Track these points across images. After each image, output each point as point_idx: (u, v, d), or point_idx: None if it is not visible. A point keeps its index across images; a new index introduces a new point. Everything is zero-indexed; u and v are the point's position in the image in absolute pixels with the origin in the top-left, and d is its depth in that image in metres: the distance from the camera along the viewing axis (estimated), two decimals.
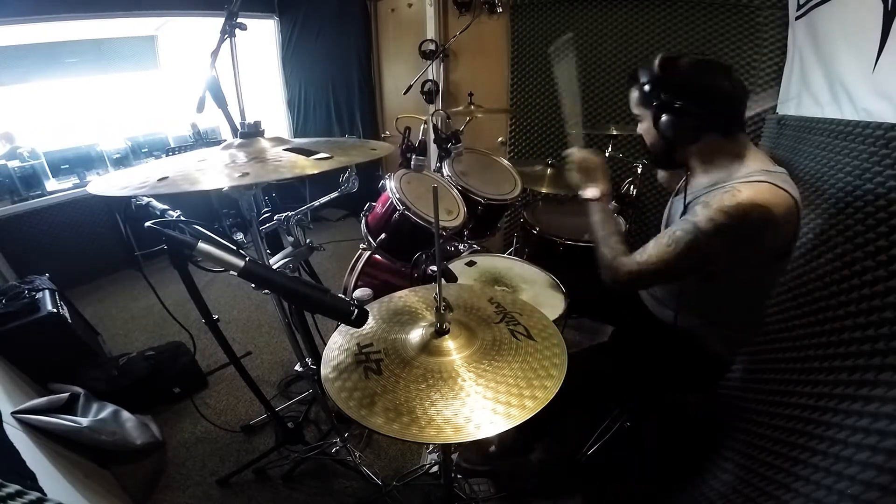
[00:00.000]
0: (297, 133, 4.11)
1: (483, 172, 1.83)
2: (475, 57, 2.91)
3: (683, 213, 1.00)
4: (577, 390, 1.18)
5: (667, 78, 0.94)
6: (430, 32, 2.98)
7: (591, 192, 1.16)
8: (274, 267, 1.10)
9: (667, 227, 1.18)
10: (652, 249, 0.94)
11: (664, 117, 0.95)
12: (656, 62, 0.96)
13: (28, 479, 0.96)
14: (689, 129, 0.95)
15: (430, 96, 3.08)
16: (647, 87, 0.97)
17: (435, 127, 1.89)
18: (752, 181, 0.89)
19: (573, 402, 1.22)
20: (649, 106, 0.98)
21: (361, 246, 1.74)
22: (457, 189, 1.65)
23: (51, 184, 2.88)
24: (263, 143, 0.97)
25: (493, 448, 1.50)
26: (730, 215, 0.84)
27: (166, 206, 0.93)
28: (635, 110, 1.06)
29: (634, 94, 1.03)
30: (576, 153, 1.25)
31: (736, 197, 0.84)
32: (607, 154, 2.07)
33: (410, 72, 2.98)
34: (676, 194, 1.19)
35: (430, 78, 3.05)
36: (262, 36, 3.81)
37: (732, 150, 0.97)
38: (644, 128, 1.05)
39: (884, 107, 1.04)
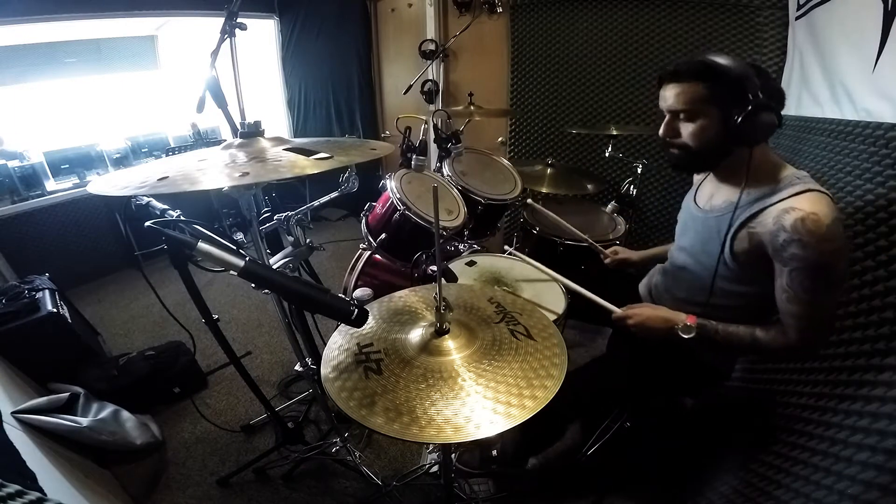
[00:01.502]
0: (297, 133, 4.11)
1: (483, 172, 1.83)
2: (475, 57, 2.91)
3: (738, 228, 0.97)
4: (578, 407, 1.19)
5: (761, 78, 0.91)
6: (430, 32, 2.98)
7: (684, 332, 1.01)
8: (274, 267, 1.10)
9: (687, 238, 1.16)
10: (799, 310, 0.89)
11: (753, 117, 0.89)
12: (734, 61, 0.91)
13: (28, 479, 0.96)
14: (768, 130, 0.92)
15: (430, 96, 3.08)
16: (735, 84, 0.90)
17: (435, 127, 1.88)
18: (799, 193, 0.89)
19: (576, 415, 1.22)
20: (727, 104, 0.91)
21: (361, 246, 1.74)
22: (457, 189, 1.65)
23: (51, 184, 2.88)
24: (263, 142, 0.98)
25: (495, 452, 1.50)
26: (832, 239, 0.83)
27: (166, 206, 0.93)
28: (690, 106, 0.96)
29: (698, 89, 0.94)
30: (630, 322, 1.11)
31: (819, 220, 0.83)
32: (607, 154, 2.07)
33: (410, 72, 2.98)
34: (699, 205, 1.16)
35: (430, 78, 3.05)
36: (262, 36, 3.81)
37: (767, 155, 0.98)
38: (699, 126, 0.96)
39: (884, 107, 1.05)
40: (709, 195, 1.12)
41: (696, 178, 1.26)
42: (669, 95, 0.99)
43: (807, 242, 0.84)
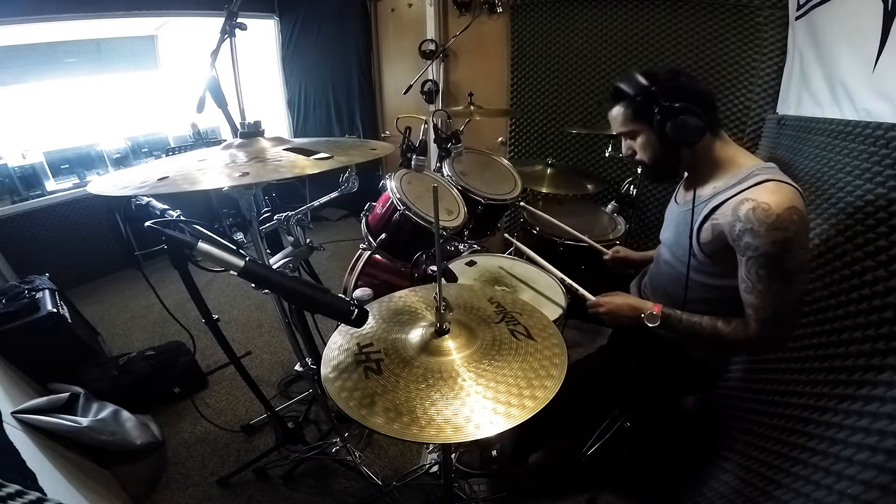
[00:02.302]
0: (297, 133, 4.11)
1: (483, 172, 1.83)
2: (475, 57, 2.91)
3: (702, 220, 1.00)
4: (577, 402, 1.20)
5: (661, 85, 0.96)
6: (430, 32, 2.98)
7: (649, 321, 1.08)
8: (274, 267, 1.10)
9: (668, 233, 1.19)
10: (756, 301, 0.92)
11: (670, 122, 0.94)
12: (641, 76, 0.98)
13: (28, 479, 0.96)
14: (693, 129, 0.95)
15: (430, 96, 3.08)
16: (642, 98, 0.97)
17: (435, 127, 1.89)
18: (760, 183, 0.91)
19: (573, 413, 1.24)
20: (647, 117, 0.98)
21: (361, 246, 1.74)
22: (457, 189, 1.65)
23: (51, 184, 2.88)
24: (263, 142, 0.97)
25: (495, 451, 1.50)
26: (783, 228, 0.85)
27: (166, 206, 0.94)
28: (626, 127, 1.04)
29: (623, 111, 1.03)
30: (601, 310, 1.19)
31: (770, 209, 0.85)
32: (607, 154, 2.08)
33: (410, 72, 2.98)
34: (677, 202, 1.20)
35: (430, 78, 3.05)
36: (262, 36, 3.81)
37: (724, 148, 1.02)
38: (641, 142, 1.04)
39: (884, 107, 1.04)
40: (685, 191, 1.17)
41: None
42: (611, 121, 1.09)
43: (757, 231, 0.86)
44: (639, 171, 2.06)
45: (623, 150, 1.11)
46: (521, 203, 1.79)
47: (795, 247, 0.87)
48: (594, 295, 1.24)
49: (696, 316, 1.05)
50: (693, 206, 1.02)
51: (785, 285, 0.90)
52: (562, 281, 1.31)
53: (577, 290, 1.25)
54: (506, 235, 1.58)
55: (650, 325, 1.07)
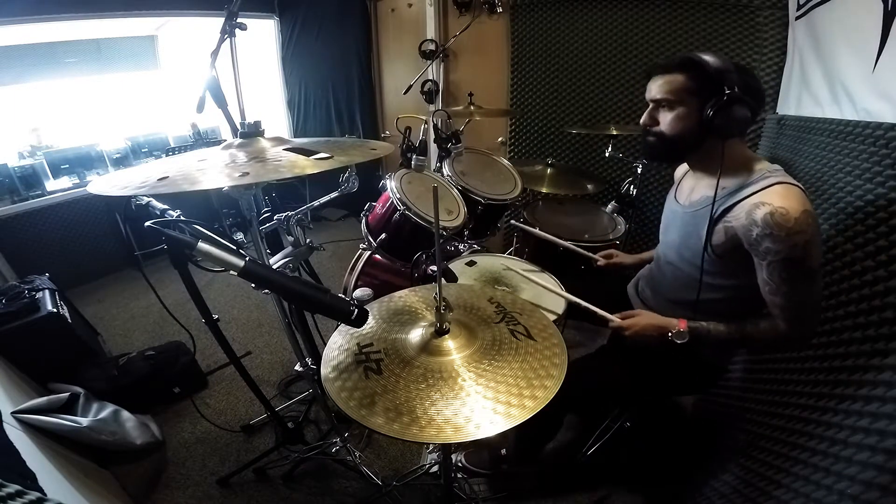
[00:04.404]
0: (297, 133, 4.11)
1: (483, 172, 1.83)
2: (475, 57, 2.91)
3: (714, 222, 1.00)
4: (577, 401, 1.19)
5: (740, 75, 0.94)
6: (430, 32, 2.98)
7: (678, 338, 1.05)
8: (274, 267, 1.10)
9: (671, 234, 1.18)
10: (783, 301, 0.93)
11: (726, 109, 0.92)
12: (718, 58, 0.95)
13: (28, 479, 0.96)
14: (739, 124, 0.94)
15: (430, 96, 3.08)
16: (716, 77, 0.93)
17: (435, 127, 1.88)
18: (769, 187, 0.91)
19: (575, 409, 1.23)
20: (706, 95, 0.95)
21: (361, 246, 1.74)
22: (457, 189, 1.65)
23: (51, 184, 2.88)
24: (263, 142, 0.98)
25: (504, 451, 1.50)
26: (802, 231, 0.86)
27: (166, 206, 0.93)
28: (674, 95, 0.99)
29: (683, 80, 0.98)
30: (626, 333, 1.13)
31: (788, 214, 0.86)
32: (607, 154, 2.07)
33: (410, 72, 2.98)
34: (679, 201, 1.18)
35: (430, 78, 3.05)
36: (262, 36, 3.81)
37: (740, 149, 1.01)
38: (677, 115, 1.00)
39: (884, 107, 1.04)
40: (688, 191, 1.15)
41: (677, 175, 1.29)
42: (654, 86, 1.04)
43: (777, 236, 0.87)
44: (637, 173, 2.05)
45: (644, 118, 1.07)
46: (513, 221, 1.76)
47: (814, 248, 0.88)
48: (599, 303, 1.21)
49: (721, 325, 1.03)
50: (713, 204, 1.00)
51: (809, 284, 0.91)
52: (577, 305, 1.24)
53: (596, 312, 1.19)
54: (510, 267, 1.54)
55: (679, 342, 1.04)
